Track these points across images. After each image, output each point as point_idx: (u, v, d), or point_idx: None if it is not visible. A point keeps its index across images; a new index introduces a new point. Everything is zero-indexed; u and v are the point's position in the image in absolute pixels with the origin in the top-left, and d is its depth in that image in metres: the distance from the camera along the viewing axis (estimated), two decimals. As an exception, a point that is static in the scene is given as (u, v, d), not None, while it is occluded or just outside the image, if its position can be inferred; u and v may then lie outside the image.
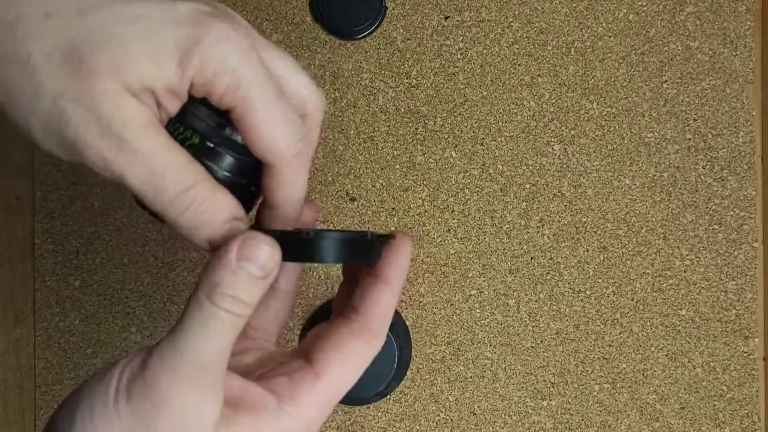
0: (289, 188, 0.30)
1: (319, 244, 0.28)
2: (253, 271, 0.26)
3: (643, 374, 0.53)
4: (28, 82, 0.26)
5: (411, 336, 0.53)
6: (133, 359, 0.26)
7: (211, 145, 0.29)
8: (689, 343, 0.53)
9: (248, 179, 0.30)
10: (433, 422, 0.53)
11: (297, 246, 0.28)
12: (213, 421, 0.26)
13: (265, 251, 0.27)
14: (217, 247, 0.27)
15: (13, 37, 0.25)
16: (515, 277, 0.54)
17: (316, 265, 0.33)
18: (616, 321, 0.53)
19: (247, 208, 0.31)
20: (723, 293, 0.53)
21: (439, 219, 0.54)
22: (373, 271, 0.30)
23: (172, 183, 0.26)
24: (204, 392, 0.25)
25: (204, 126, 0.29)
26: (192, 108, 0.29)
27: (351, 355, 0.29)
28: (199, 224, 0.28)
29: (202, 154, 0.29)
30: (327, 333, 0.29)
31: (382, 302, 0.30)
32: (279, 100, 0.28)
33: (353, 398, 0.52)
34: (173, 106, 0.28)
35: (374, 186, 0.54)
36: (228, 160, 0.30)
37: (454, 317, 0.53)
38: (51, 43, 0.25)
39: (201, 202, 0.27)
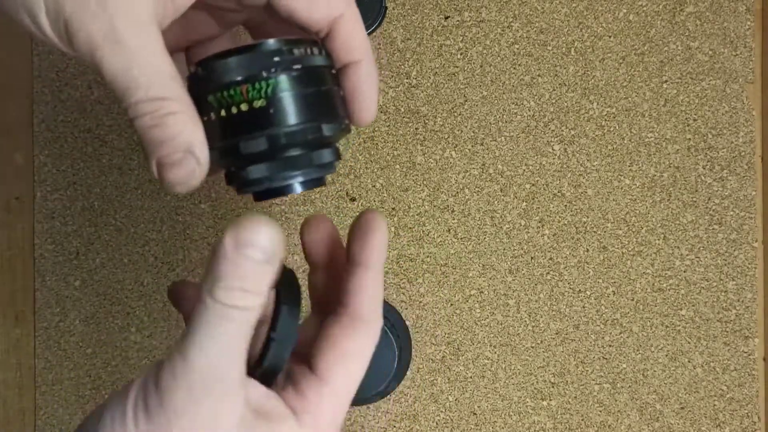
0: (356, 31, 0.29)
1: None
2: (255, 256, 0.24)
3: (643, 374, 0.53)
4: None
5: (411, 336, 0.53)
6: (150, 373, 0.25)
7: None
8: (689, 343, 0.53)
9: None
10: (433, 422, 0.53)
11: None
12: (231, 427, 0.25)
13: (264, 232, 0.24)
14: (162, 178, 0.26)
15: None
16: (515, 277, 0.54)
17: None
18: (616, 321, 0.53)
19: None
20: (723, 293, 0.53)
21: (439, 219, 0.54)
22: (350, 257, 0.28)
23: (144, 84, 0.25)
24: (220, 400, 0.24)
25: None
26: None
27: (350, 352, 0.28)
28: (153, 137, 0.25)
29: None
30: (322, 334, 0.28)
31: (365, 287, 0.28)
32: None
33: (353, 398, 0.52)
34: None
35: (374, 186, 0.54)
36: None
37: (454, 317, 0.53)
38: None
39: (163, 115, 0.25)
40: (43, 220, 0.54)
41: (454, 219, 0.54)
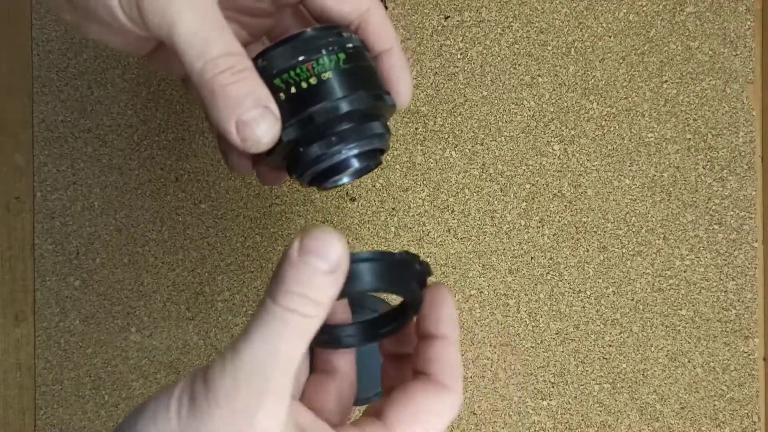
0: (385, 27, 0.31)
1: (355, 270, 0.26)
2: (320, 265, 0.24)
3: (643, 374, 0.53)
4: None
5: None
6: (200, 369, 0.25)
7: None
8: (689, 343, 0.53)
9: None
10: (433, 422, 0.53)
11: None
12: (270, 429, 0.24)
13: (331, 243, 0.25)
14: (244, 138, 0.26)
15: None
16: (515, 277, 0.54)
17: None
18: (616, 321, 0.53)
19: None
20: (723, 293, 0.53)
21: (439, 219, 0.54)
22: (425, 332, 0.29)
23: (219, 42, 0.26)
24: (259, 396, 0.24)
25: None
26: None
27: (426, 411, 0.27)
28: (231, 94, 0.26)
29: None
30: (400, 389, 0.28)
31: (445, 357, 0.28)
32: None
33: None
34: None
35: (374, 186, 0.54)
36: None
37: (454, 317, 0.53)
38: None
39: (240, 70, 0.26)
40: (43, 220, 0.54)
41: (454, 219, 0.54)
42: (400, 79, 0.31)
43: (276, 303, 0.24)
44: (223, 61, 0.26)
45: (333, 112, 0.28)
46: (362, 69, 0.30)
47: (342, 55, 0.29)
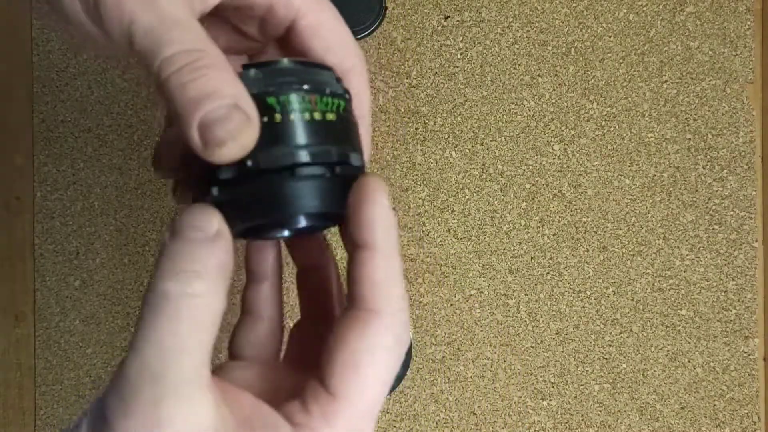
0: (365, 89, 0.27)
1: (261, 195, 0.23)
2: (195, 235, 0.22)
3: (643, 374, 0.53)
4: None
5: (411, 336, 0.53)
6: (101, 396, 0.22)
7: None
8: (689, 343, 0.53)
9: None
10: (433, 422, 0.53)
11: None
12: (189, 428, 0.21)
13: (199, 213, 0.22)
14: (208, 141, 0.22)
15: None
16: (515, 277, 0.54)
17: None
18: (616, 321, 0.53)
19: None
20: (723, 293, 0.54)
21: (439, 219, 0.54)
22: (350, 240, 0.24)
23: (178, 37, 0.22)
24: (158, 400, 0.20)
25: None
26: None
27: (361, 351, 0.23)
28: (190, 93, 0.21)
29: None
30: (329, 337, 0.23)
31: (370, 273, 0.23)
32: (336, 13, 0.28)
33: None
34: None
35: (374, 186, 0.54)
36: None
37: (454, 317, 0.53)
38: None
39: (203, 66, 0.22)
40: (43, 220, 0.54)
41: (454, 219, 0.54)
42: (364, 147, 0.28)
43: (159, 288, 0.21)
44: (182, 57, 0.22)
45: (325, 156, 0.24)
46: (354, 125, 0.27)
47: (342, 102, 0.26)
